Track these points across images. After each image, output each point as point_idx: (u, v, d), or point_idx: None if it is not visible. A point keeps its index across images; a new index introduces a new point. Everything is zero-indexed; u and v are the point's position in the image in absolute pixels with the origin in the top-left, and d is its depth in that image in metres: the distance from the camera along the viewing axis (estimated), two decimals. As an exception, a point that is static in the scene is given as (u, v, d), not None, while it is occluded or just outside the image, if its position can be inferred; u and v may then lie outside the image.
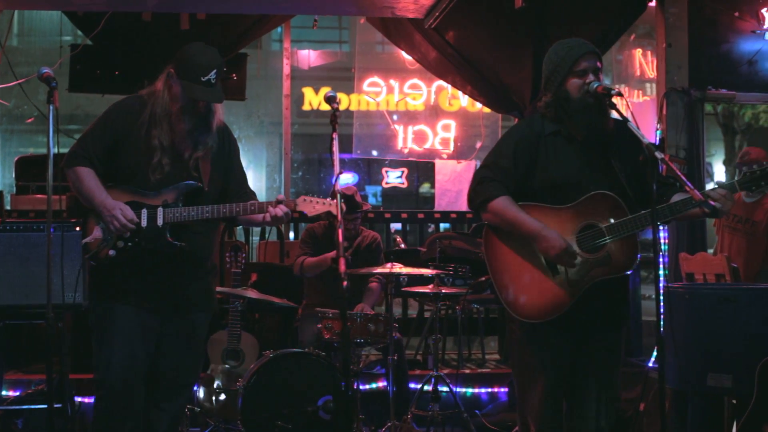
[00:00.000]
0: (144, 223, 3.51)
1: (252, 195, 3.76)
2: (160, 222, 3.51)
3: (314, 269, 5.55)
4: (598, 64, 3.43)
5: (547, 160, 3.44)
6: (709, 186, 4.47)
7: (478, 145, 9.63)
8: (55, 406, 3.30)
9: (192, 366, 3.75)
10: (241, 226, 8.44)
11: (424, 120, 9.75)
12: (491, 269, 3.48)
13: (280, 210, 3.54)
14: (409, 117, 9.77)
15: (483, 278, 5.68)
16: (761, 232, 6.21)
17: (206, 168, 3.61)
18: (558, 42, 3.50)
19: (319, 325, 5.06)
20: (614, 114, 3.37)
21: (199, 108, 3.55)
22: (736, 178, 3.36)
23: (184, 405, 3.93)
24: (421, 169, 17.38)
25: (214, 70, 3.49)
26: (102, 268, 3.55)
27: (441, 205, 9.82)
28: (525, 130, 3.54)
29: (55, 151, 3.38)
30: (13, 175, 8.26)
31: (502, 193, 3.42)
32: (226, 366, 5.31)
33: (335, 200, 3.55)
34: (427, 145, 9.72)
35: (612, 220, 3.35)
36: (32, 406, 4.97)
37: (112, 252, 3.50)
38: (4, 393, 5.45)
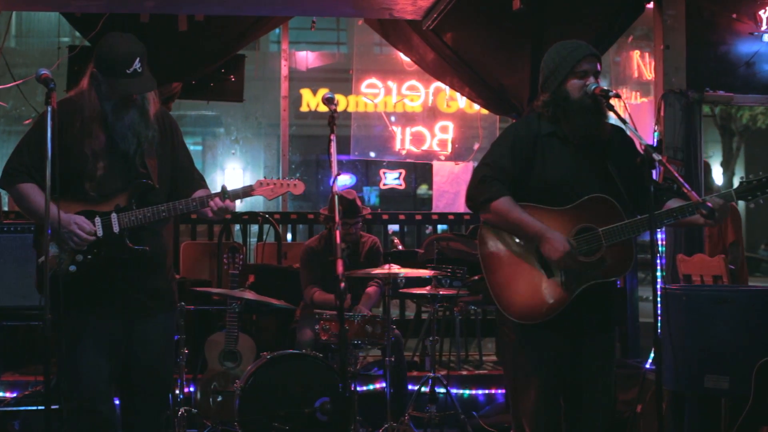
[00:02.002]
0: (99, 232, 3.33)
1: (201, 180, 3.62)
2: (116, 228, 3.34)
3: (323, 307, 5.43)
4: (599, 67, 3.44)
5: (542, 160, 3.44)
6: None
7: (476, 146, 9.63)
8: (52, 407, 3.26)
9: (164, 367, 3.63)
10: (238, 227, 8.47)
11: (422, 121, 9.75)
12: (485, 268, 3.48)
13: (227, 204, 3.38)
14: (406, 118, 9.77)
15: (476, 277, 5.67)
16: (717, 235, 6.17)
17: (153, 163, 3.44)
18: (559, 42, 3.51)
19: (317, 327, 5.05)
20: (612, 116, 3.38)
21: (134, 101, 3.38)
22: (733, 188, 3.37)
23: (165, 408, 3.86)
24: (419, 170, 17.41)
25: (137, 59, 3.31)
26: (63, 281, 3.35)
27: (439, 206, 9.83)
28: (522, 129, 3.54)
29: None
30: (11, 177, 8.24)
31: (504, 193, 3.41)
32: (224, 367, 5.31)
33: (295, 180, 3.43)
34: (425, 147, 9.72)
35: (608, 225, 3.35)
36: (29, 408, 4.96)
37: (72, 267, 3.34)
38: (1, 394, 5.46)
